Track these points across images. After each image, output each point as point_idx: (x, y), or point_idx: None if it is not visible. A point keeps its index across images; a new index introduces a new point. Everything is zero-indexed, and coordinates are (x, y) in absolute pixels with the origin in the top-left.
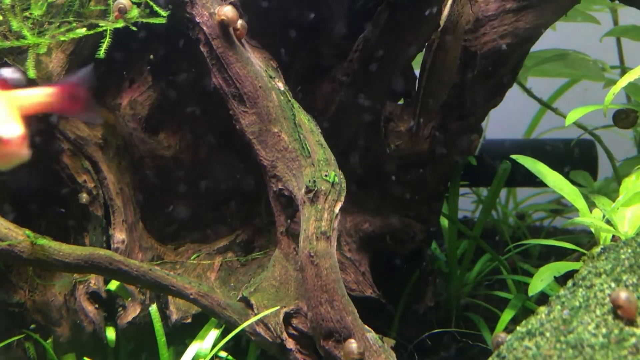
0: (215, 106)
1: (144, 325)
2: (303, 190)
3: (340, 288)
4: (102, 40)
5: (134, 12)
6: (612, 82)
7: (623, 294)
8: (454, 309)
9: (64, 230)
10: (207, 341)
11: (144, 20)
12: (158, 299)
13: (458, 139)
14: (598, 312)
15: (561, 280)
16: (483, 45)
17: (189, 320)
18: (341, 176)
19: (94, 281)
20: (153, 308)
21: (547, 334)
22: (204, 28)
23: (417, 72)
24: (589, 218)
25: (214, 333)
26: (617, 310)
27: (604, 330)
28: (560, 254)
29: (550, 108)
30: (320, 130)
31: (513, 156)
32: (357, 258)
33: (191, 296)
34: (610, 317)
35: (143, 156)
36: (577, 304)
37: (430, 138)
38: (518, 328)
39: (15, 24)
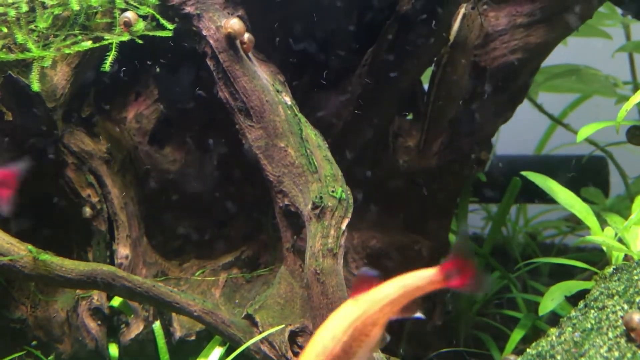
0: (222, 120)
1: (147, 343)
2: (309, 206)
3: None
4: (107, 54)
5: (140, 25)
6: (625, 98)
7: (636, 317)
8: (462, 328)
9: (67, 245)
10: (211, 359)
11: (150, 34)
12: (162, 315)
13: (467, 154)
14: (610, 334)
15: (572, 299)
16: (493, 60)
17: (193, 338)
18: (348, 192)
19: (97, 297)
20: (156, 325)
21: (558, 357)
22: (211, 41)
23: (426, 86)
24: (601, 236)
25: (218, 351)
26: (630, 333)
27: (616, 354)
28: (572, 273)
29: (562, 124)
30: (327, 146)
31: (524, 173)
32: None
33: (195, 313)
34: (623, 340)
35: (148, 170)
36: (588, 326)
37: (439, 154)
38: (528, 350)
39: (20, 37)
